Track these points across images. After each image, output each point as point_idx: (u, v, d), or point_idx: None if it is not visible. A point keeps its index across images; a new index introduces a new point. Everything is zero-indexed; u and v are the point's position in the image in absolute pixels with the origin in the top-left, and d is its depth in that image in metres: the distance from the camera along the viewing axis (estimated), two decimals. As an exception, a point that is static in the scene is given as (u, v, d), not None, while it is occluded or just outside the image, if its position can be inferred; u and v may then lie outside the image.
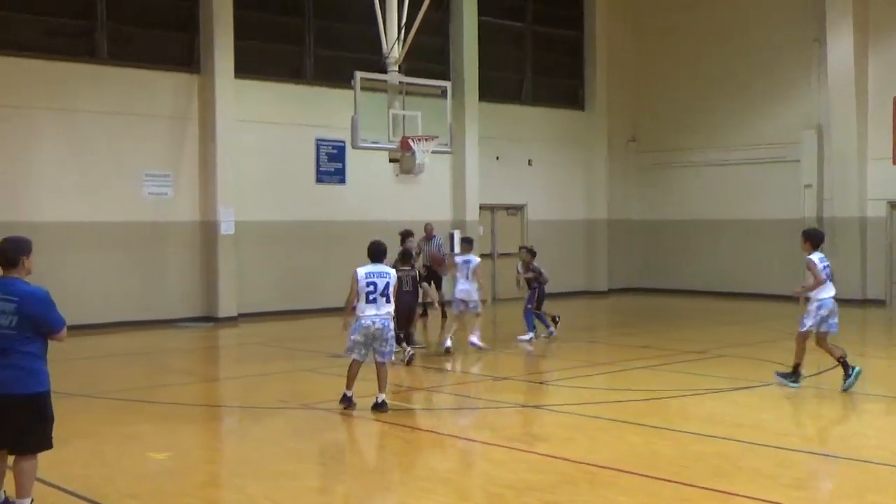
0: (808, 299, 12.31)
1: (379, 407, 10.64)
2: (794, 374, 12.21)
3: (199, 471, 8.82)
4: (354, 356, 10.73)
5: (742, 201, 25.45)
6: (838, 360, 11.98)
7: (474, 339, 15.55)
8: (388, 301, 10.59)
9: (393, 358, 11.11)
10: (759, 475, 8.25)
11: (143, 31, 20.26)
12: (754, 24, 25.47)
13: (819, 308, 12.03)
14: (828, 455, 9.17)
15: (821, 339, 12.14)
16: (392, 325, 10.76)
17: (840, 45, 23.50)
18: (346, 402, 10.85)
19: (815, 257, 12.15)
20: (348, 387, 10.84)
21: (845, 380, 11.86)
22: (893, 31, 20.36)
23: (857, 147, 23.41)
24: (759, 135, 25.42)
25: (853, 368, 11.86)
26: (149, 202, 19.88)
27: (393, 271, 10.87)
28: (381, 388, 10.71)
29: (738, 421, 10.49)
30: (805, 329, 12.07)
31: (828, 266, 12.16)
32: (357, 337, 10.64)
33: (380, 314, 10.54)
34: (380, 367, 10.71)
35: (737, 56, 25.80)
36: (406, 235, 17.16)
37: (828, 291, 12.05)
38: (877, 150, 22.43)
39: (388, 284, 10.59)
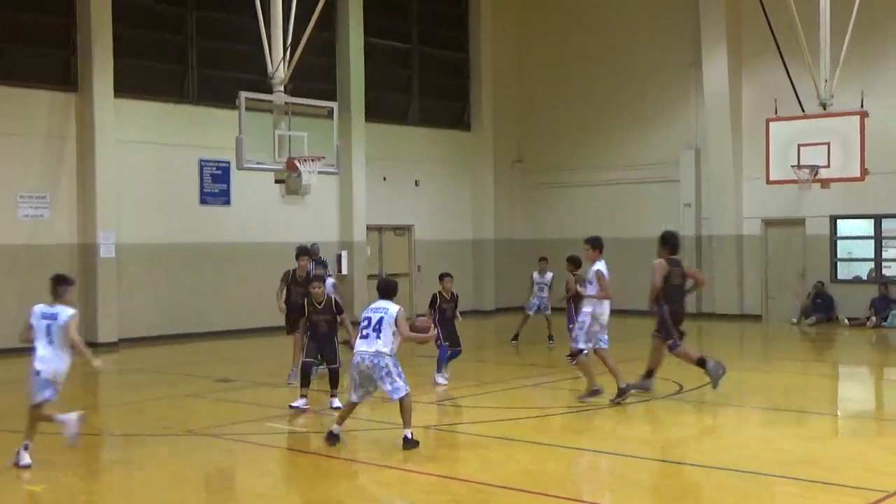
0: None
1: (406, 443, 10.04)
2: None
3: (77, 502, 8.50)
4: (352, 397, 10.32)
5: (624, 220, 25.99)
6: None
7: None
8: (378, 337, 10.01)
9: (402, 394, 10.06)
10: (642, 489, 8.39)
11: (17, 48, 19.62)
12: (634, 48, 26.10)
13: None
14: (708, 466, 9.38)
15: None
16: (386, 361, 9.97)
17: (714, 70, 24.31)
18: (330, 438, 10.32)
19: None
20: (338, 422, 10.43)
21: None
22: (765, 55, 21.14)
23: (732, 167, 24.21)
24: (641, 155, 26.05)
25: None
26: (24, 224, 19.21)
27: (393, 307, 10.13)
28: (405, 424, 10.14)
29: (625, 435, 10.66)
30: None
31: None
32: (352, 373, 10.25)
33: (368, 350, 10.02)
34: (400, 403, 10.12)
35: (618, 79, 26.41)
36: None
37: None
38: (751, 170, 23.14)
39: (381, 320, 10.05)
